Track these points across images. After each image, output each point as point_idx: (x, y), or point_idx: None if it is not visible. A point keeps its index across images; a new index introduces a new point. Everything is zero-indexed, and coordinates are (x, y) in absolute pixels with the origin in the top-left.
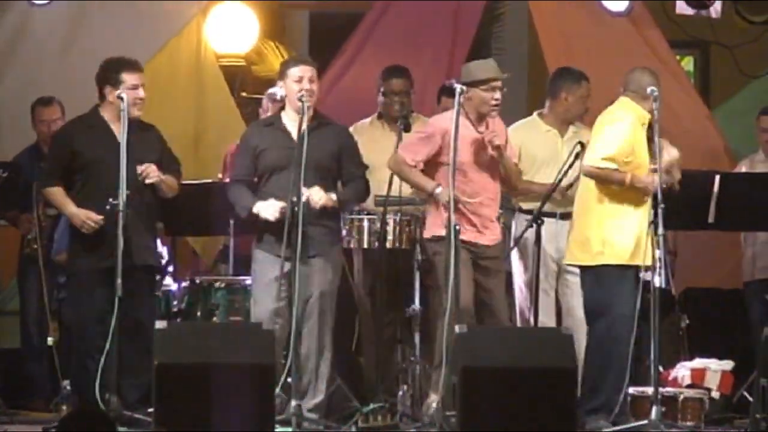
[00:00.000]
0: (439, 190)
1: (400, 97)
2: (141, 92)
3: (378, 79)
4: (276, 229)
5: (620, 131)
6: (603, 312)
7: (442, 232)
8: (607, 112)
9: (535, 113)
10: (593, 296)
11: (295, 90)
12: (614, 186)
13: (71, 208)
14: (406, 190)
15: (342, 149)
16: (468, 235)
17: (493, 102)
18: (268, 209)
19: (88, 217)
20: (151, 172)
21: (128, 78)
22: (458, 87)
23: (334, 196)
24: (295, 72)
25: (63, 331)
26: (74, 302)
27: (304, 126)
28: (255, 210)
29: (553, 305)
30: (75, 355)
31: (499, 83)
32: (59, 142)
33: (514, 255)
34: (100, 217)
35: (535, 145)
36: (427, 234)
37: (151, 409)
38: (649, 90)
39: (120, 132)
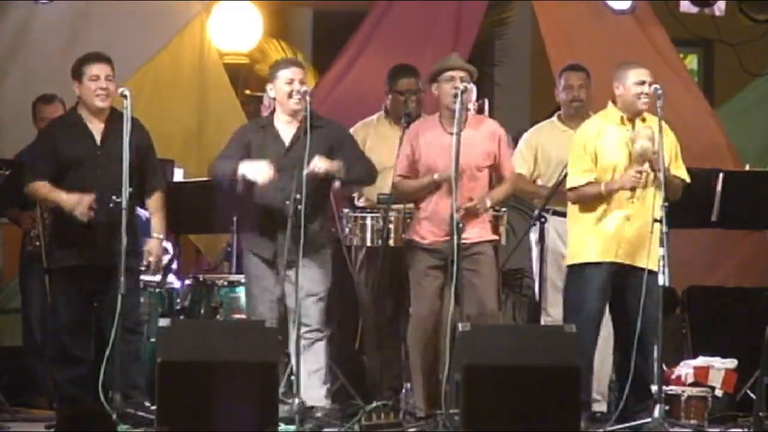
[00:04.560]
0: (436, 176)
1: (415, 96)
2: (103, 83)
3: (386, 78)
4: (266, 228)
5: (575, 147)
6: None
7: (412, 236)
8: None
9: (554, 116)
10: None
11: (286, 92)
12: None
13: (61, 195)
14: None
15: (335, 146)
16: (439, 238)
17: (453, 91)
18: (258, 171)
19: (80, 204)
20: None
21: (88, 69)
22: (462, 85)
23: (338, 164)
24: (284, 75)
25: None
26: (53, 300)
27: (308, 124)
28: (240, 171)
29: None
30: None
31: (455, 73)
32: (43, 142)
33: (535, 256)
34: (92, 196)
35: (552, 146)
36: (406, 236)
37: (153, 407)
38: (652, 88)
39: (96, 128)
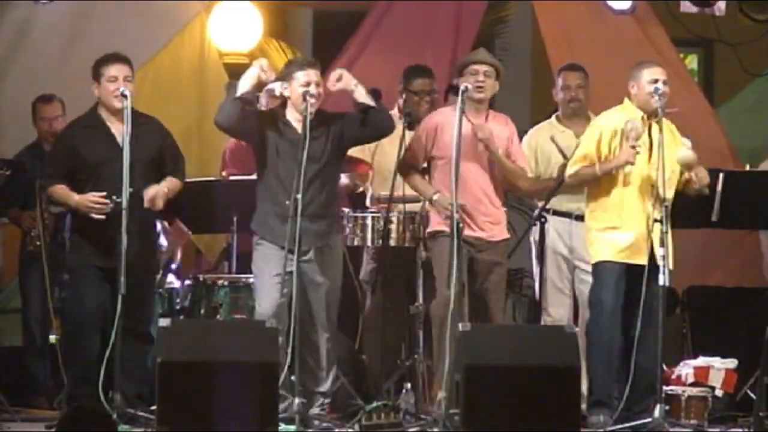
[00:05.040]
0: (436, 197)
1: (429, 96)
2: (121, 84)
3: (401, 78)
4: (278, 220)
5: (590, 134)
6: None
7: (441, 227)
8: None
9: (552, 116)
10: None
11: (300, 93)
12: (596, 182)
13: (75, 197)
14: (409, 189)
15: (343, 128)
16: (465, 231)
17: (476, 84)
18: (256, 69)
19: (90, 200)
20: (156, 201)
21: (107, 70)
22: (462, 85)
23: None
24: (301, 76)
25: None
26: (72, 299)
27: (307, 131)
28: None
29: (569, 305)
30: (73, 353)
31: (479, 67)
32: (62, 144)
33: (535, 256)
34: (103, 194)
35: (551, 146)
36: (429, 229)
37: (153, 407)
38: (652, 88)
39: (117, 129)
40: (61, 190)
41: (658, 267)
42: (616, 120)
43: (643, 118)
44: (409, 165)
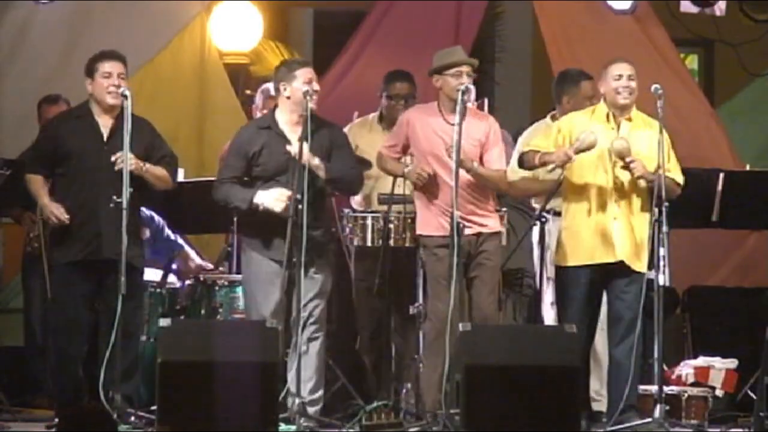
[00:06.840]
0: (407, 170)
1: (405, 101)
2: (115, 80)
3: (381, 83)
4: (271, 231)
5: (550, 128)
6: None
7: (426, 231)
8: None
9: (548, 115)
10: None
11: (304, 91)
12: (535, 171)
13: (44, 199)
14: (410, 189)
15: (333, 147)
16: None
17: (460, 87)
18: (273, 199)
19: (53, 213)
20: (124, 160)
21: (101, 66)
22: (463, 85)
23: (321, 165)
24: (303, 74)
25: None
26: (54, 300)
27: (309, 127)
28: (256, 200)
29: None
30: (54, 354)
31: (465, 68)
32: (46, 131)
33: (536, 257)
34: (66, 216)
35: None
36: (418, 231)
37: (154, 407)
38: (653, 88)
39: (104, 123)
40: (36, 184)
41: (628, 268)
42: (578, 122)
43: (608, 115)
44: (382, 151)
